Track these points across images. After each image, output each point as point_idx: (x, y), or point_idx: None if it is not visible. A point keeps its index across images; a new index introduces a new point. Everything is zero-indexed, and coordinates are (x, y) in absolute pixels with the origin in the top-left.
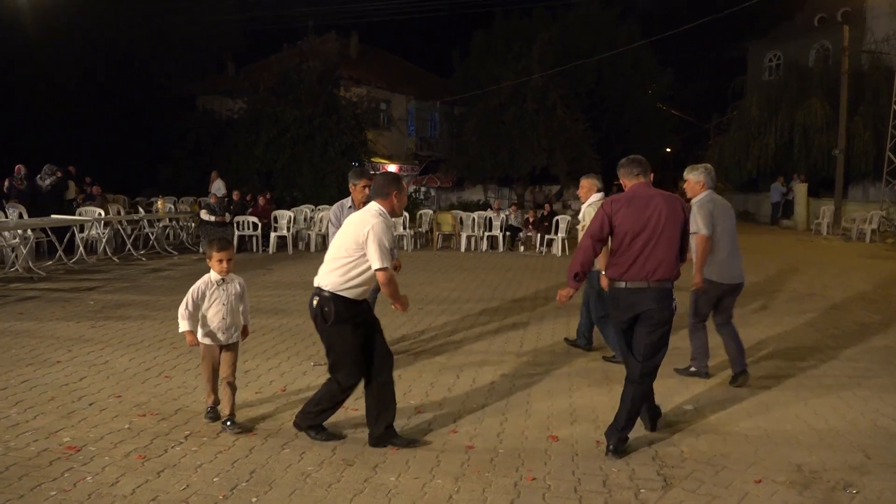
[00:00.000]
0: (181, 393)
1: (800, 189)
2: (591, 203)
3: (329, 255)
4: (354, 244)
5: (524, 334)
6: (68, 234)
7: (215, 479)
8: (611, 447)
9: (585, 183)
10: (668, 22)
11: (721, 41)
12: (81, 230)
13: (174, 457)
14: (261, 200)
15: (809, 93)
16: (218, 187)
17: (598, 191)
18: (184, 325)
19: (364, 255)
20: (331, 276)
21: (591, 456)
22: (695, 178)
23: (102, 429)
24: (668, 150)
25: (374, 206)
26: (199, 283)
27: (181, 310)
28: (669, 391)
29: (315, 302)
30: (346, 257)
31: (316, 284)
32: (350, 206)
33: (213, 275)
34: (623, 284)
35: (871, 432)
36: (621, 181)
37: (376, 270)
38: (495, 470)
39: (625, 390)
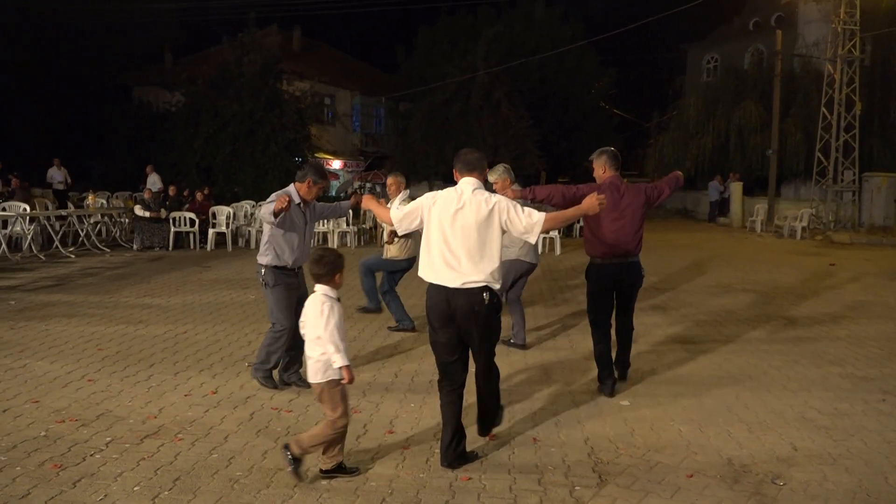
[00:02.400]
0: (104, 397)
1: (735, 188)
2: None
3: (468, 250)
4: (497, 227)
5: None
6: None
7: (136, 488)
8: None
9: (393, 180)
10: (610, 23)
11: (662, 43)
12: (4, 226)
13: (93, 465)
14: (198, 196)
15: (745, 94)
16: (153, 182)
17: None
18: (345, 359)
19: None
20: (487, 266)
21: (527, 454)
22: (499, 177)
23: (15, 437)
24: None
25: (470, 183)
26: (332, 306)
27: (339, 343)
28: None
29: (486, 298)
30: (496, 244)
31: (471, 282)
32: (298, 203)
33: (329, 290)
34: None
35: (798, 424)
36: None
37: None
38: (430, 471)
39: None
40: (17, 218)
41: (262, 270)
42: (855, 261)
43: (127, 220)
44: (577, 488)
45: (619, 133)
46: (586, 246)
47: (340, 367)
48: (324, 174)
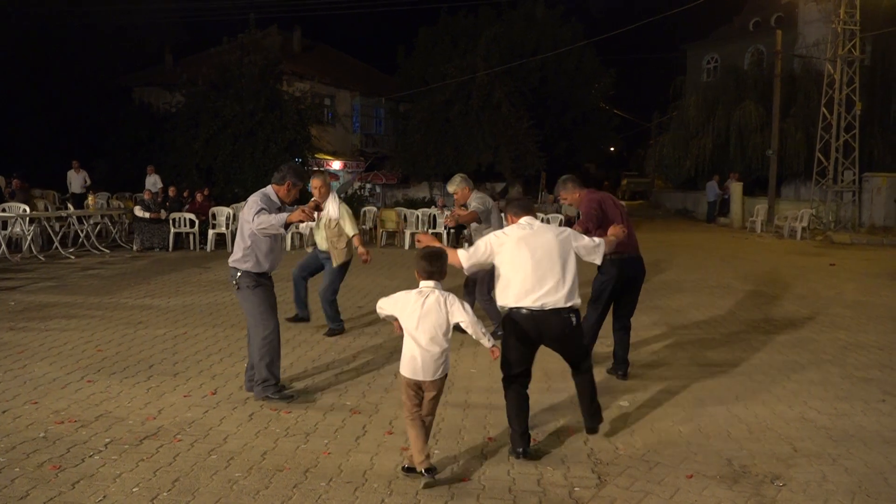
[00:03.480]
0: (104, 398)
1: (735, 188)
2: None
3: (553, 276)
4: (573, 253)
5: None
6: None
7: (135, 490)
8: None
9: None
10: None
11: (662, 43)
12: (4, 227)
13: (92, 466)
14: (198, 197)
15: (745, 94)
16: (154, 182)
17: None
18: (492, 340)
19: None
20: (572, 289)
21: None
22: (458, 187)
23: (15, 438)
24: (612, 148)
25: (532, 220)
26: (454, 300)
27: (483, 327)
28: (608, 388)
29: (574, 320)
30: (573, 268)
31: (560, 306)
32: (279, 206)
33: (440, 286)
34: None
35: (798, 424)
36: (574, 193)
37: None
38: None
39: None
40: (16, 219)
41: (238, 274)
42: (855, 261)
43: (127, 221)
44: (576, 489)
45: (619, 133)
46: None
47: (492, 346)
48: (302, 176)
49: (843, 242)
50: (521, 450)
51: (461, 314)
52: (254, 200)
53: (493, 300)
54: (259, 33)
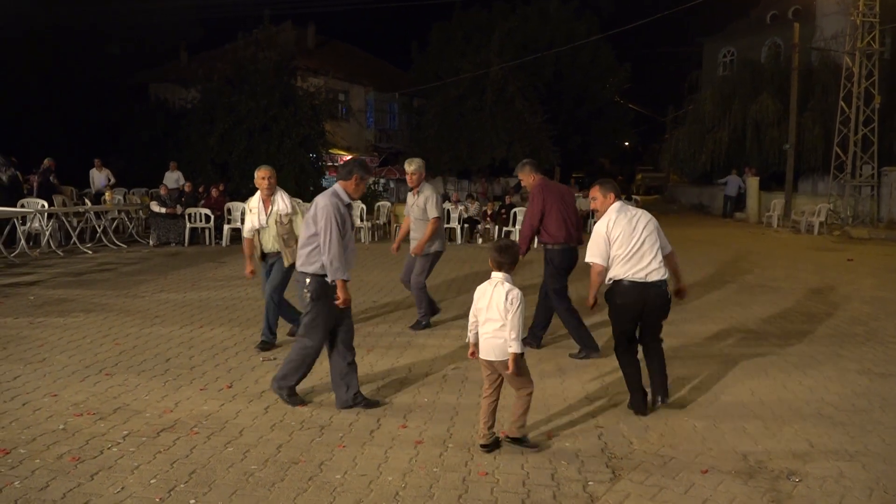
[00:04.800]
0: (121, 391)
1: (752, 182)
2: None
3: (653, 252)
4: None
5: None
6: (8, 227)
7: (152, 481)
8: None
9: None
10: (626, 17)
11: (678, 37)
12: (24, 222)
13: (110, 458)
14: (213, 192)
15: (762, 88)
16: (176, 178)
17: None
18: (521, 346)
19: None
20: (662, 264)
21: (541, 449)
22: (412, 169)
23: (35, 430)
24: (626, 143)
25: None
26: (518, 295)
27: (519, 331)
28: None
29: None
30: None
31: (660, 279)
32: (347, 203)
33: (510, 278)
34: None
35: (815, 420)
36: (529, 176)
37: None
38: (444, 465)
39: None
40: (35, 214)
41: (308, 280)
42: (873, 256)
43: (143, 217)
44: (590, 483)
45: (634, 128)
46: (551, 235)
47: (513, 354)
48: (369, 170)
49: (861, 237)
50: (644, 409)
51: (511, 311)
52: (328, 212)
53: (425, 290)
54: (273, 29)
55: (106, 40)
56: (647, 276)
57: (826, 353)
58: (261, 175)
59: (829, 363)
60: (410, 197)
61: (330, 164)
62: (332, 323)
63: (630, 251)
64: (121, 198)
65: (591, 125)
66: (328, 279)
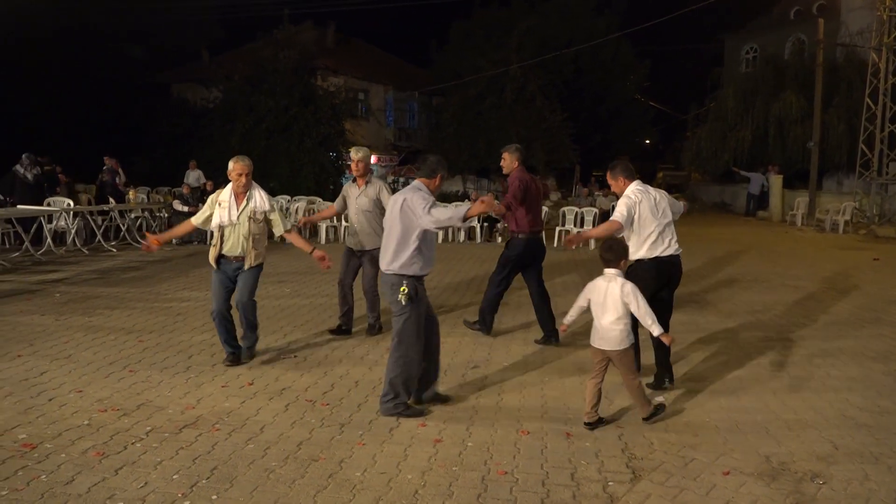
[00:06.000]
0: (145, 388)
1: (775, 181)
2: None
3: (672, 229)
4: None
5: (496, 326)
6: (35, 225)
7: (175, 477)
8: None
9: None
10: (646, 13)
11: (699, 33)
12: (50, 221)
13: (134, 453)
14: None
15: (785, 85)
16: (197, 177)
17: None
18: (660, 328)
19: None
20: None
21: (561, 449)
22: (364, 154)
23: (61, 425)
24: (647, 141)
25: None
26: (634, 286)
27: (652, 314)
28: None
29: None
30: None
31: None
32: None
33: (620, 273)
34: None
35: (839, 422)
36: (512, 163)
37: None
38: (463, 464)
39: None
40: (61, 213)
41: (405, 282)
42: None
43: (166, 215)
44: (610, 483)
45: (654, 126)
46: (518, 225)
47: (659, 335)
48: (447, 167)
49: (887, 236)
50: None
51: (633, 302)
52: (420, 196)
53: (377, 293)
54: (293, 29)
55: (129, 41)
56: (671, 253)
57: (850, 354)
58: (238, 169)
59: (854, 364)
60: (355, 188)
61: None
62: (423, 324)
63: (656, 232)
64: (144, 196)
65: (611, 123)
66: (457, 219)
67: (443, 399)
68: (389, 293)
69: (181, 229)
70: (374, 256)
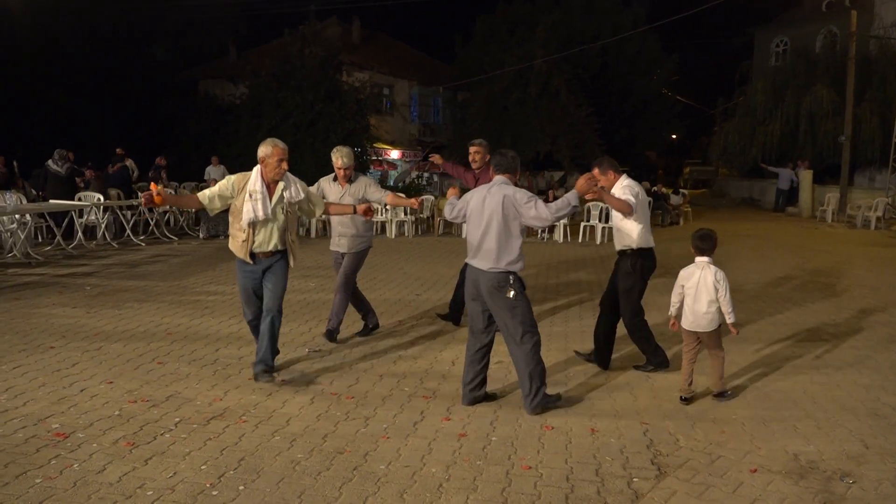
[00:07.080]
0: (173, 379)
1: (805, 176)
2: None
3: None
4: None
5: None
6: (66, 219)
7: (203, 467)
8: None
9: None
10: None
11: (727, 26)
12: (80, 215)
13: (163, 444)
14: None
15: (816, 79)
16: (222, 172)
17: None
18: (735, 317)
19: None
20: None
21: (585, 444)
22: (348, 159)
23: (92, 415)
24: (674, 136)
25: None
26: (724, 275)
27: (732, 303)
28: (667, 381)
29: None
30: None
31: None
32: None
33: (712, 261)
34: None
35: (870, 421)
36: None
37: None
38: (487, 458)
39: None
40: (91, 207)
41: (511, 279)
42: None
43: (193, 210)
44: (635, 480)
45: (681, 120)
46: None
47: (732, 323)
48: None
49: None
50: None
51: (722, 289)
52: (521, 191)
53: (355, 292)
54: (319, 25)
55: (157, 42)
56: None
57: (883, 352)
58: (278, 154)
59: (886, 362)
60: (336, 187)
61: (374, 158)
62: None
63: (649, 223)
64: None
65: (637, 118)
66: (574, 201)
67: (491, 397)
68: (497, 293)
69: (187, 201)
70: (354, 255)
